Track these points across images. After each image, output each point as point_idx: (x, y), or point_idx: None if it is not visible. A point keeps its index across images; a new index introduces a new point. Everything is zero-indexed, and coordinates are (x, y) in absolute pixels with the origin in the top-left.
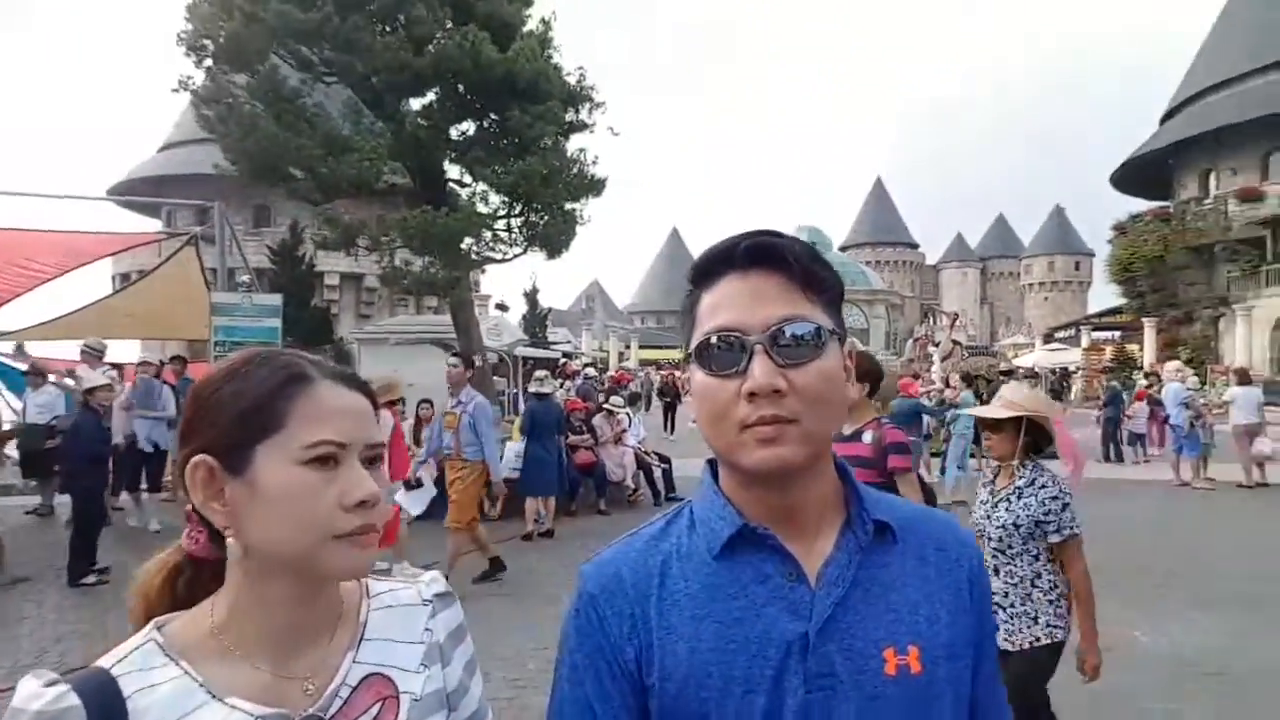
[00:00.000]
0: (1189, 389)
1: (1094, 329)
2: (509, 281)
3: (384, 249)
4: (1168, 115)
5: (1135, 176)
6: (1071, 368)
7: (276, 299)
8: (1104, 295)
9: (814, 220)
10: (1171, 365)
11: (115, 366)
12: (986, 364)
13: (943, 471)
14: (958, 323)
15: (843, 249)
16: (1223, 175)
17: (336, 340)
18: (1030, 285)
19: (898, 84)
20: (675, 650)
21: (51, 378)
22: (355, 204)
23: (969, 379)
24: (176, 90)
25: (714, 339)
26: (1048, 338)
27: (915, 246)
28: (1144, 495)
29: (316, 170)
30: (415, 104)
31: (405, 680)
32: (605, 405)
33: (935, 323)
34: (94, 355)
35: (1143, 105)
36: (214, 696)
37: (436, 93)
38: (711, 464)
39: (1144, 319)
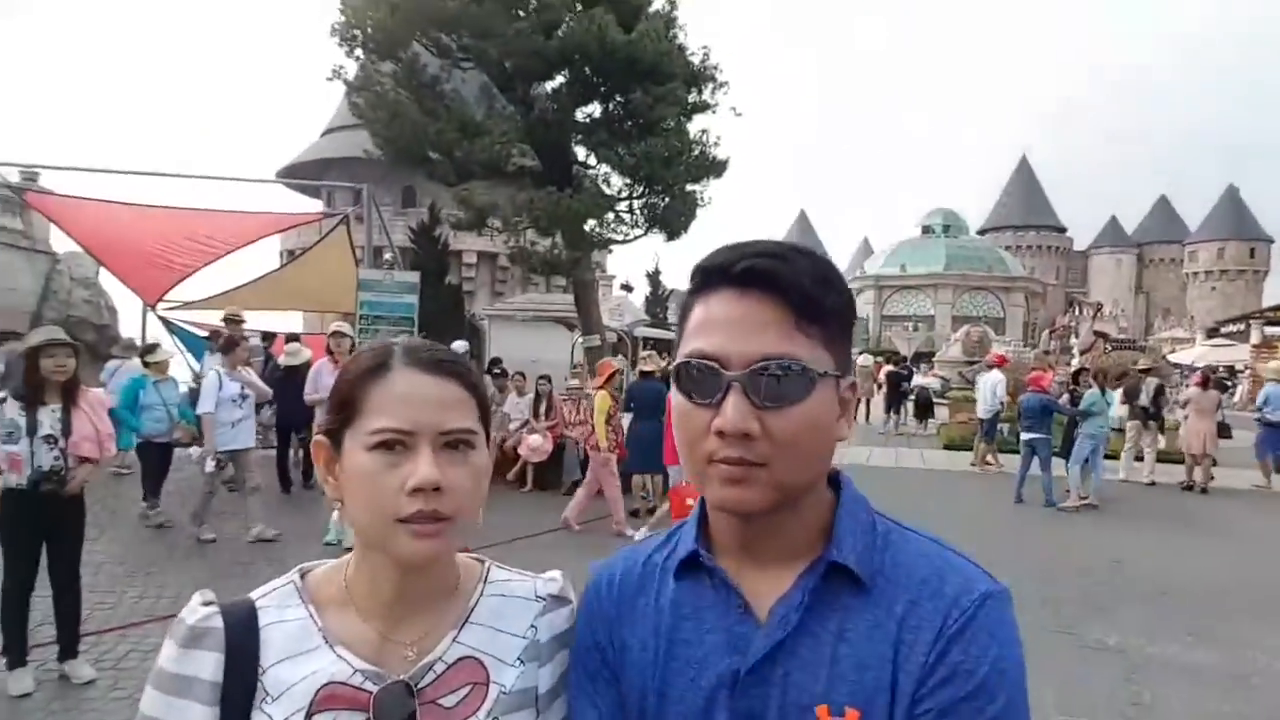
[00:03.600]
0: None
1: (1268, 323)
2: (636, 263)
3: (513, 229)
4: None
5: None
6: (1239, 366)
7: (414, 277)
8: None
9: (951, 202)
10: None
11: (267, 336)
12: (1131, 359)
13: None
14: (1101, 313)
15: (981, 232)
16: None
17: (469, 316)
18: (1194, 274)
19: (1050, 51)
20: (635, 661)
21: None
22: (488, 186)
23: (1100, 376)
24: (330, 79)
25: (693, 364)
26: (1212, 332)
27: (1062, 230)
28: None
29: (452, 153)
30: (545, 88)
31: (499, 671)
32: None
33: (1079, 313)
34: (237, 323)
35: None
36: (327, 643)
37: (565, 76)
38: None
39: None
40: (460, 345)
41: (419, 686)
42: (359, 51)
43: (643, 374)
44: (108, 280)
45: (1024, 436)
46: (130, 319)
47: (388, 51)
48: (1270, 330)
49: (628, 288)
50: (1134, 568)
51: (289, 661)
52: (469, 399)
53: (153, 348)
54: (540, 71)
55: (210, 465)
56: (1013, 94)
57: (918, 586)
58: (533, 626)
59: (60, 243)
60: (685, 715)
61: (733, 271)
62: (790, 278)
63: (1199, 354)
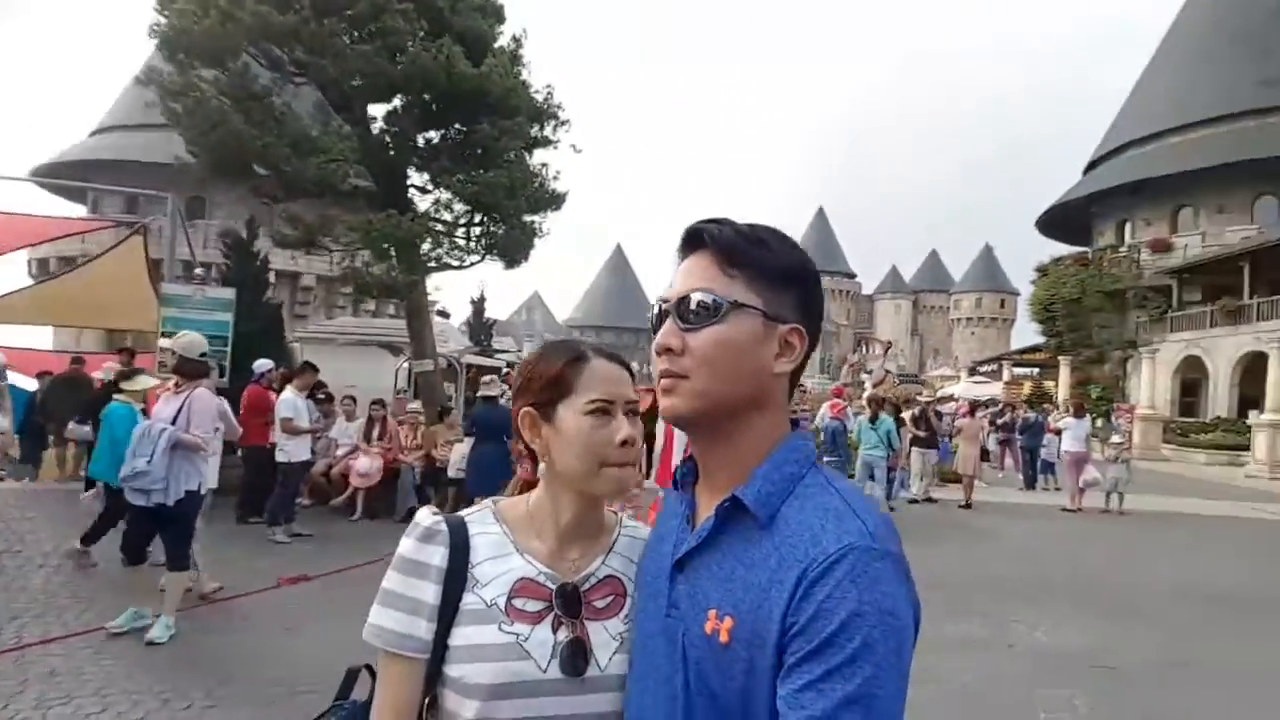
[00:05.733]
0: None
1: (1015, 364)
2: (454, 291)
3: (347, 250)
4: (1091, 165)
5: (1059, 221)
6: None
7: (229, 293)
8: (1026, 333)
9: None
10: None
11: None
12: (914, 391)
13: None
14: (890, 351)
15: None
16: (1137, 226)
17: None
18: (959, 320)
19: (841, 116)
20: (646, 550)
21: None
22: (311, 204)
23: (880, 403)
24: (142, 82)
25: (654, 307)
26: (972, 371)
27: (853, 276)
28: (1047, 518)
29: (281, 168)
30: (381, 109)
31: (631, 587)
32: None
33: (869, 351)
34: None
35: (1074, 152)
36: (518, 550)
37: (403, 99)
38: None
39: (1060, 357)
40: (263, 364)
41: (582, 589)
42: (181, 55)
43: (485, 399)
44: None
45: (823, 459)
46: None
47: (214, 59)
48: (1018, 370)
49: (444, 314)
50: (919, 566)
51: (491, 561)
52: (632, 381)
53: (133, 374)
54: (380, 94)
55: None
56: (811, 148)
57: (802, 532)
58: None
59: None
60: (650, 593)
61: (681, 240)
62: (715, 233)
63: (962, 389)
